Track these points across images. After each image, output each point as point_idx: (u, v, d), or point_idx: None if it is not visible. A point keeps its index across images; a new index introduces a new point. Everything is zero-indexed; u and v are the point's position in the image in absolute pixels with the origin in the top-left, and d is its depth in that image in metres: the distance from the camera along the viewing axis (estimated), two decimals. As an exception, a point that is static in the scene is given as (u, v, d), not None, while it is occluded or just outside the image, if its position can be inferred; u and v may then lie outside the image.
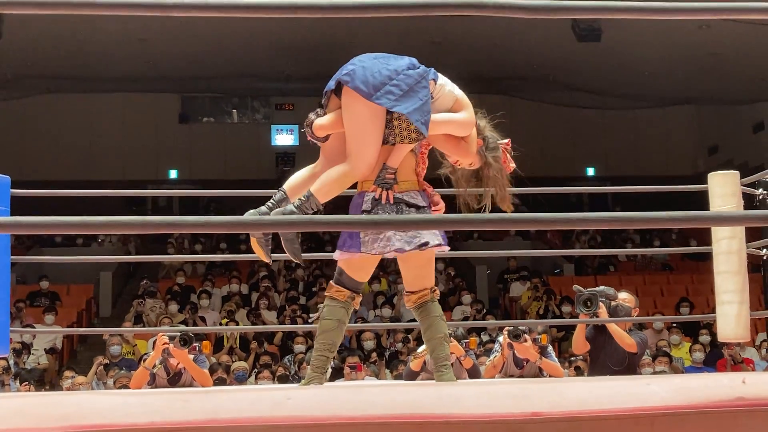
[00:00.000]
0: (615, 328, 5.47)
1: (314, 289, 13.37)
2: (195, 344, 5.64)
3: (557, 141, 20.25)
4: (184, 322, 11.33)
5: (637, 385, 1.92)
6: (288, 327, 11.03)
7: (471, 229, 3.54)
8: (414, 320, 11.12)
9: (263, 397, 1.93)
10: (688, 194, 5.43)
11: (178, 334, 5.69)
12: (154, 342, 6.02)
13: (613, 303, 5.51)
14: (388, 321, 11.68)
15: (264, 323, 11.56)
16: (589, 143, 20.29)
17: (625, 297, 5.64)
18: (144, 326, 11.29)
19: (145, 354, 6.00)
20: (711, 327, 10.38)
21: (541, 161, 20.04)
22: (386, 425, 1.77)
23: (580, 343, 5.65)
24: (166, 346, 5.55)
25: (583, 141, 20.26)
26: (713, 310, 4.56)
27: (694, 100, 19.28)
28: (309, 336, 10.84)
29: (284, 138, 20.54)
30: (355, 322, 11.56)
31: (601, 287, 5.55)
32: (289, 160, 20.14)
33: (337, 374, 7.80)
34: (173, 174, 19.90)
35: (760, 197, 4.71)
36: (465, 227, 2.57)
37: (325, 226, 2.13)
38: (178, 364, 5.67)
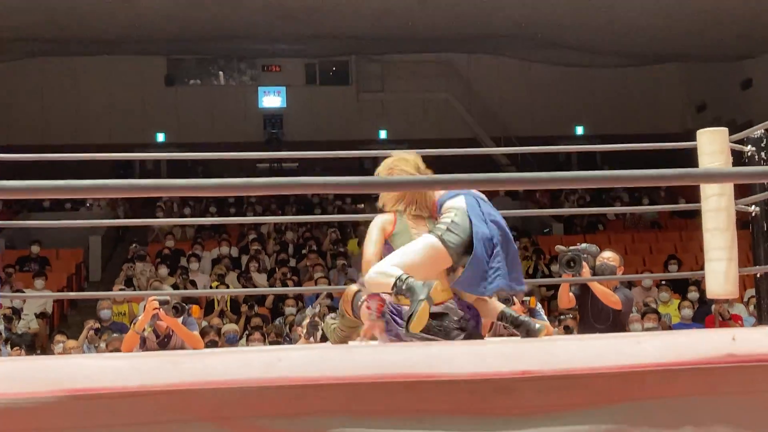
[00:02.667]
0: (598, 287, 5.48)
1: (304, 251, 13.37)
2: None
3: (545, 100, 20.20)
4: (175, 286, 11.33)
5: (627, 343, 1.93)
6: (279, 290, 11.05)
7: (460, 189, 3.53)
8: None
9: (254, 359, 1.93)
10: (677, 152, 5.41)
11: (168, 298, 5.68)
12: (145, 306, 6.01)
13: (598, 262, 5.52)
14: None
15: (255, 286, 11.56)
16: (577, 102, 20.24)
17: (609, 255, 5.64)
18: (135, 290, 11.29)
19: (137, 317, 5.98)
20: (699, 284, 10.44)
21: (529, 120, 20.02)
22: (376, 385, 1.77)
23: (564, 299, 5.68)
24: (156, 311, 5.54)
25: (571, 99, 20.21)
26: (702, 268, 4.57)
27: (683, 58, 19.23)
28: (299, 298, 10.86)
29: (271, 100, 20.42)
30: (345, 284, 11.60)
31: (584, 245, 5.53)
32: (276, 123, 20.06)
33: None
34: (160, 137, 19.79)
35: (749, 154, 4.71)
36: (455, 187, 2.57)
37: (317, 189, 2.12)
38: (167, 327, 5.67)
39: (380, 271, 3.31)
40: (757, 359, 1.81)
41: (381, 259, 3.58)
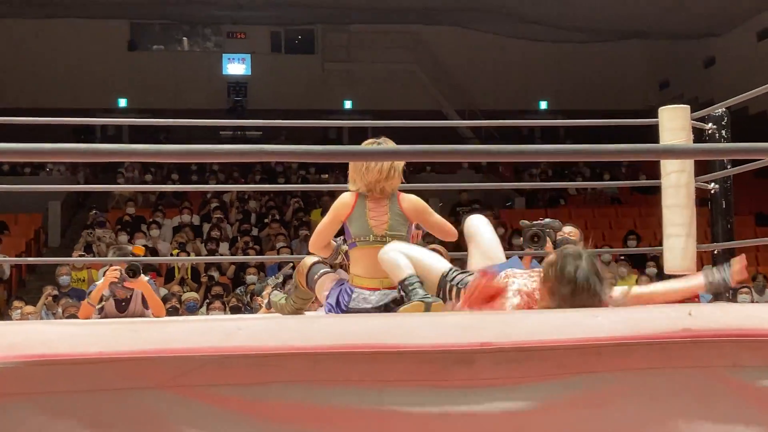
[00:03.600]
0: None
1: (266, 220, 13.32)
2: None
3: (511, 74, 20.23)
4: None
5: (584, 317, 1.95)
6: (240, 258, 11.01)
7: (424, 161, 3.53)
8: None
9: (214, 327, 1.92)
10: (639, 128, 5.46)
11: (136, 263, 5.63)
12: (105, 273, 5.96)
13: (558, 236, 5.56)
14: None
15: (216, 254, 11.52)
16: (542, 77, 20.30)
17: (570, 230, 5.68)
18: (94, 256, 11.19)
19: (95, 283, 5.92)
20: (658, 260, 10.58)
21: (494, 94, 20.05)
22: (337, 355, 1.77)
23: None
24: (116, 280, 5.48)
25: (536, 74, 20.27)
26: (660, 243, 4.62)
27: (646, 35, 19.34)
28: (260, 268, 10.83)
29: (236, 67, 20.25)
30: (307, 254, 11.59)
31: (547, 220, 5.57)
32: (240, 90, 19.90)
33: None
34: (122, 103, 19.55)
35: (709, 132, 4.76)
36: (418, 158, 2.57)
37: (281, 157, 2.11)
38: (126, 292, 5.63)
39: (403, 259, 3.29)
40: (713, 335, 1.84)
41: (327, 238, 3.73)
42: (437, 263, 3.30)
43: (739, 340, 1.83)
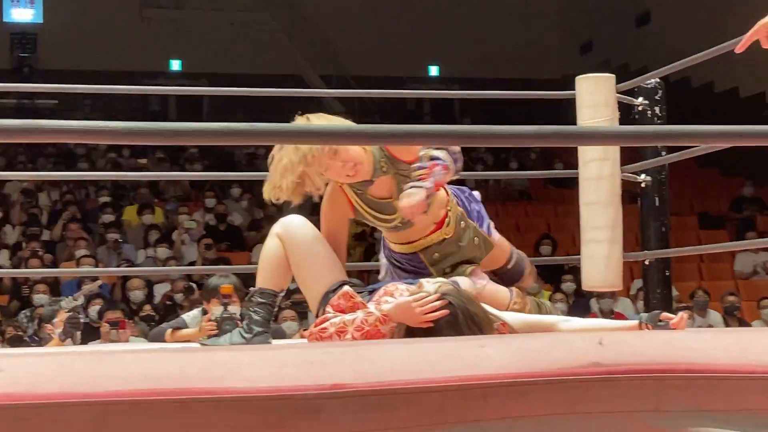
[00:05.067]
0: None
1: (62, 220, 13.03)
2: None
3: (392, 32, 20.37)
4: None
5: (467, 348, 1.95)
6: (24, 272, 10.74)
7: (266, 143, 3.49)
8: (193, 263, 10.83)
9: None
10: (557, 104, 5.56)
11: None
12: None
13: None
14: (163, 264, 11.54)
15: (-8, 266, 11.23)
16: (432, 36, 20.52)
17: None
18: None
19: None
20: (577, 272, 10.82)
21: (370, 56, 20.15)
22: (135, 404, 1.73)
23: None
24: None
25: (424, 32, 20.48)
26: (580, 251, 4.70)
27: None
28: (54, 285, 10.58)
29: (22, 12, 19.84)
30: (118, 266, 11.39)
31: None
32: (28, 44, 19.48)
33: (92, 334, 7.67)
34: None
35: (640, 108, 4.86)
36: (258, 141, 2.53)
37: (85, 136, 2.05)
38: None
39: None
40: (630, 370, 1.87)
41: None
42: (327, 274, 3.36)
43: (663, 378, 1.87)
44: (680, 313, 3.37)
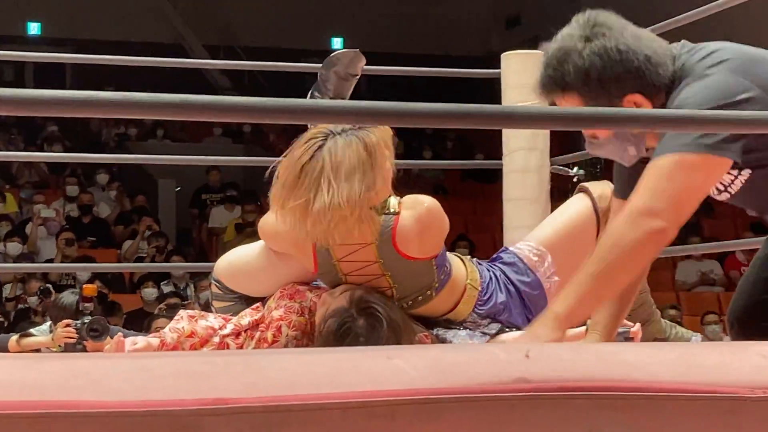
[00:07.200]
0: None
1: None
2: None
3: (291, 2, 20.44)
4: None
5: (373, 359, 1.95)
6: None
7: (161, 117, 3.45)
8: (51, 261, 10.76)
9: None
10: (478, 83, 5.61)
11: None
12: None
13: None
14: (15, 260, 11.41)
15: None
16: (335, 5, 20.61)
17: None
18: None
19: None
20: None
21: (263, 25, 20.16)
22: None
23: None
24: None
25: (327, 3, 20.58)
26: (503, 254, 4.74)
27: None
28: None
29: None
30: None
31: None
32: None
33: None
34: None
35: (573, 90, 4.91)
36: (151, 114, 2.49)
37: None
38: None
39: None
40: (560, 387, 1.88)
41: None
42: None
43: (597, 396, 1.88)
44: (637, 324, 3.40)
